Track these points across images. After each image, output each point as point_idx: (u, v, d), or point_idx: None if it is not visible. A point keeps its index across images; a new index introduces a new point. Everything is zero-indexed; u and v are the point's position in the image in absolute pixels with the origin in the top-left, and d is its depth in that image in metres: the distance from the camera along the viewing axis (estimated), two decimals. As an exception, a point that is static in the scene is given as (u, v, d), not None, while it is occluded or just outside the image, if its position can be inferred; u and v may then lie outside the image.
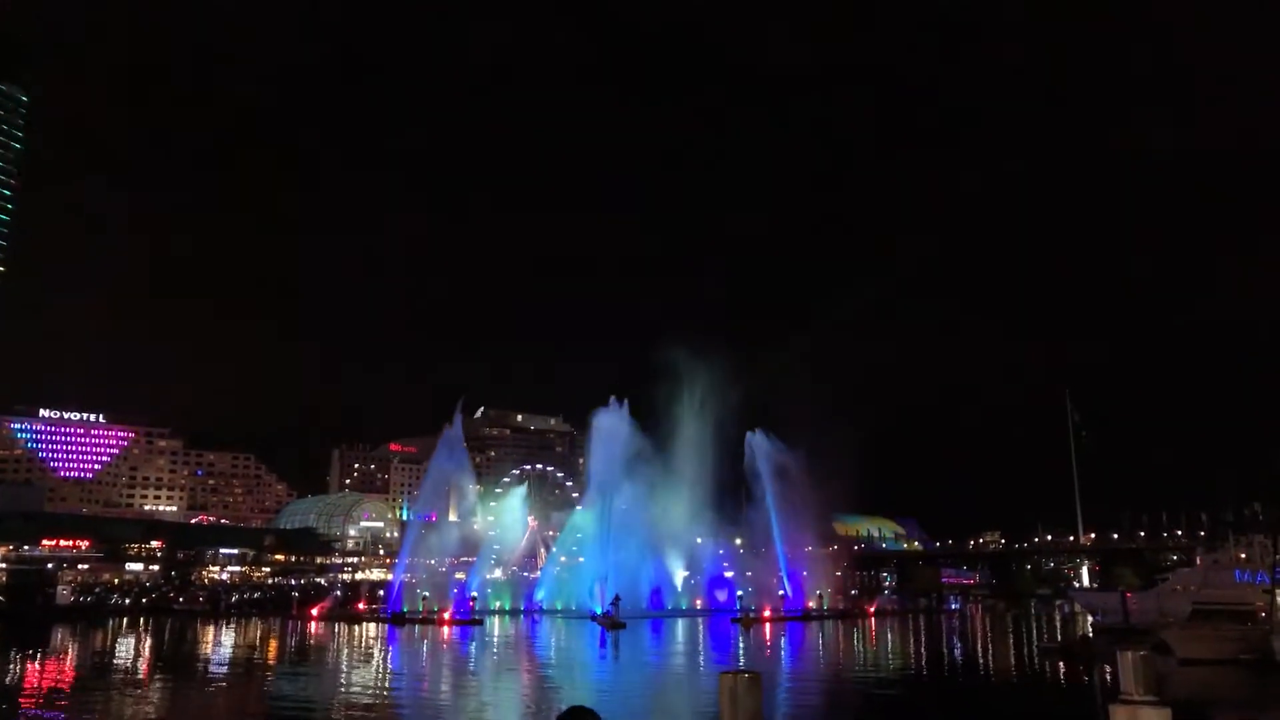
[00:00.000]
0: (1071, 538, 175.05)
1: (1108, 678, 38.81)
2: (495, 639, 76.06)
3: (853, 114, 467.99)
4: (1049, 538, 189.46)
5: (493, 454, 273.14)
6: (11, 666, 51.16)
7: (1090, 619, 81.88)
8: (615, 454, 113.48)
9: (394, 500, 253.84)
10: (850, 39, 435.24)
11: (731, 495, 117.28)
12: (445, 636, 75.28)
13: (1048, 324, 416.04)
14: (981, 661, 58.37)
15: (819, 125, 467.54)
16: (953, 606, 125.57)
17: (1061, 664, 52.13)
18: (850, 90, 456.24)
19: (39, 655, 59.32)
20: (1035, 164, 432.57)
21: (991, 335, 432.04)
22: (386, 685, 45.08)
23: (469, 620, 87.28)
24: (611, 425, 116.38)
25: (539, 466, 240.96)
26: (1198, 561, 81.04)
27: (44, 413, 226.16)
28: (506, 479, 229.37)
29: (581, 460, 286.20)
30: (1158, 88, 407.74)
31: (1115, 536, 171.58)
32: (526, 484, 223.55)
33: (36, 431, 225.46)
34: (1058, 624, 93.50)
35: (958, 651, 65.38)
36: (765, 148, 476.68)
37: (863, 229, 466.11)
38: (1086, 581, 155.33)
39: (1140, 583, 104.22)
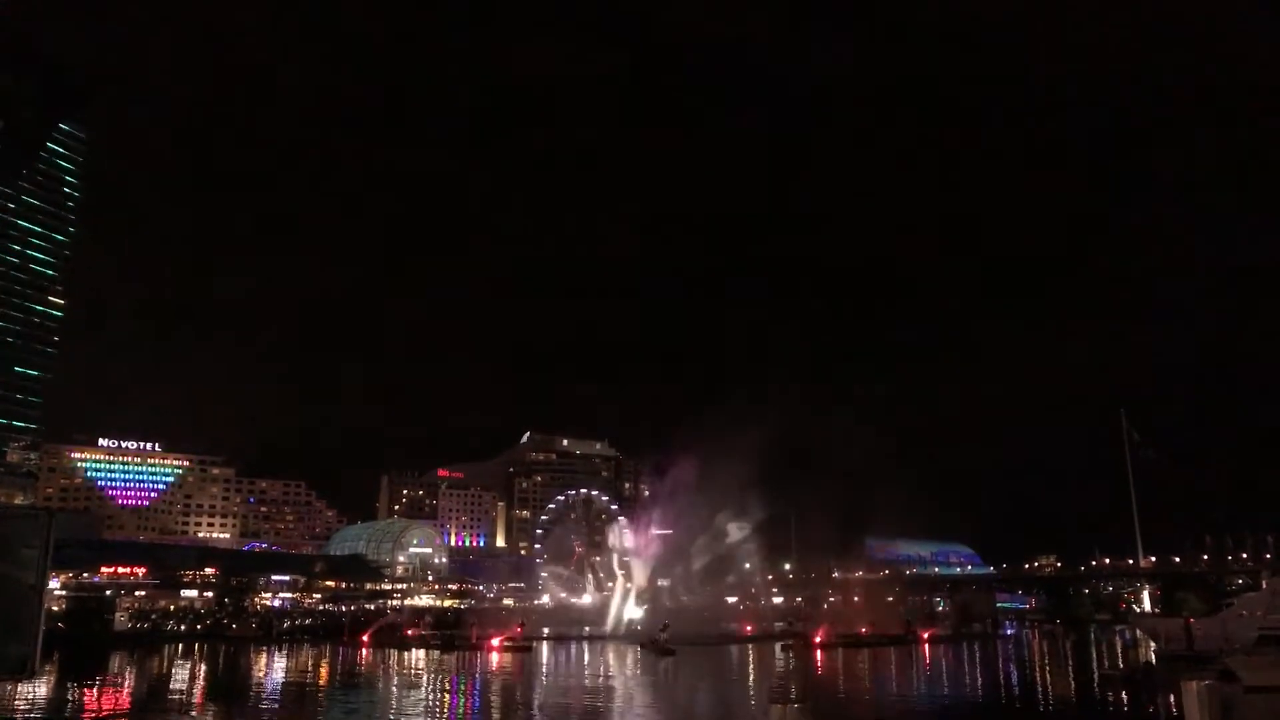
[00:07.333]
0: (1131, 561, 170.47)
1: (1172, 707, 37.67)
2: (544, 664, 75.90)
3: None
4: (1107, 561, 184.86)
5: (539, 479, 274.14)
6: (72, 692, 52.14)
7: (1153, 645, 79.65)
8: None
9: (442, 526, 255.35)
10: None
11: (780, 522, 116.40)
12: (495, 662, 75.35)
13: (1101, 340, 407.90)
14: (1040, 689, 56.99)
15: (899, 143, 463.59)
16: (1009, 632, 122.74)
17: (1124, 692, 50.70)
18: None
19: (98, 681, 60.38)
20: (1094, 181, 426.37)
21: (1043, 354, 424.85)
22: (440, 711, 45.13)
23: (518, 646, 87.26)
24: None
25: (585, 492, 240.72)
26: (1264, 585, 78.63)
27: (102, 442, 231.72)
28: (552, 505, 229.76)
29: (627, 485, 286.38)
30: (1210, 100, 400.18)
31: (1177, 560, 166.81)
32: (573, 510, 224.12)
33: (95, 460, 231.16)
34: (1119, 650, 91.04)
35: (1015, 678, 63.93)
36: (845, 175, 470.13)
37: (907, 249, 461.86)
38: (1148, 606, 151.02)
39: (1204, 608, 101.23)
